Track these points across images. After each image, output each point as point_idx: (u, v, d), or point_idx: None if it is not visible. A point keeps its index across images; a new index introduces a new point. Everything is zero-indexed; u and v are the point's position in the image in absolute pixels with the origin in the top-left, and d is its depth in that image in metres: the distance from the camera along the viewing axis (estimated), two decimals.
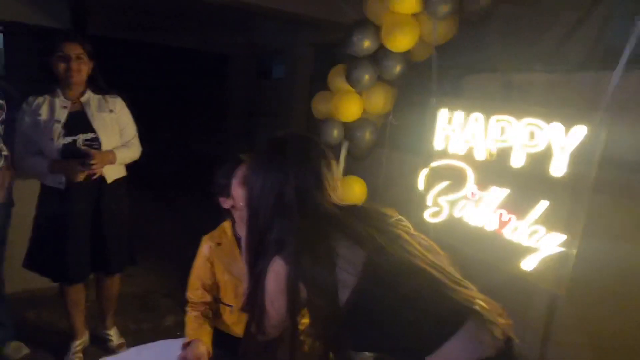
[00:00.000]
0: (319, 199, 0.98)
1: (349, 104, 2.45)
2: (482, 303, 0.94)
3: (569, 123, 1.59)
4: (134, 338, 2.48)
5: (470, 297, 0.94)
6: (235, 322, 1.50)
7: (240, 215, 1.34)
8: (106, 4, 4.73)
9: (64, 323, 2.37)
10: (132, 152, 2.17)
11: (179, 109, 6.83)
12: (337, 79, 2.53)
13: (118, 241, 2.16)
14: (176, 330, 2.51)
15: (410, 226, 1.10)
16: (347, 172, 2.66)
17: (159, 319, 2.72)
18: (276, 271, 0.93)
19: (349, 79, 2.40)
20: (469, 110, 1.98)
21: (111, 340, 2.39)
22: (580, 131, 1.54)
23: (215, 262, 1.46)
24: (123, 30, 5.32)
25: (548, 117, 1.66)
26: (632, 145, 1.97)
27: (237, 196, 1.30)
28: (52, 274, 2.11)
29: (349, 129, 2.53)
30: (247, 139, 6.53)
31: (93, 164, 1.93)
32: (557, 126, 1.62)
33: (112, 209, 2.11)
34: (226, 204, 1.40)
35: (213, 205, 1.45)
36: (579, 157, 1.55)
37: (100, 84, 2.10)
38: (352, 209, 1.04)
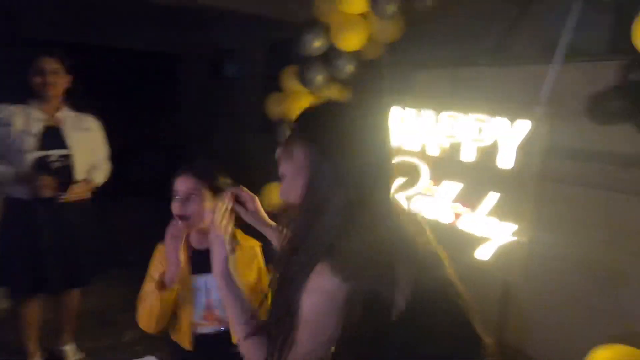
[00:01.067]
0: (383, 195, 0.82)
1: (303, 105, 2.44)
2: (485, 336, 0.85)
3: (513, 117, 1.66)
4: (92, 355, 2.38)
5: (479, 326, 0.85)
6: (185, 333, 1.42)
7: (196, 224, 1.28)
8: (44, 3, 4.47)
9: (16, 343, 2.25)
10: (103, 175, 2.16)
11: (129, 113, 6.58)
12: (290, 80, 2.51)
13: (80, 255, 2.11)
14: (135, 346, 2.43)
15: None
16: None
17: (117, 334, 2.62)
18: (325, 289, 0.73)
19: (302, 79, 2.39)
20: (419, 107, 2.02)
21: (68, 357, 2.32)
22: (524, 125, 1.61)
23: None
24: (63, 32, 5.06)
25: (494, 112, 1.73)
26: (574, 134, 2.09)
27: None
28: (14, 286, 2.09)
29: None
30: (202, 141, 6.39)
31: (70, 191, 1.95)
32: (502, 120, 1.68)
33: (75, 223, 2.07)
34: (177, 209, 1.30)
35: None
36: (524, 150, 1.62)
37: (77, 100, 2.10)
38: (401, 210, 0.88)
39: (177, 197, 1.26)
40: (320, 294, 0.74)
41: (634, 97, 1.58)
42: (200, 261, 1.29)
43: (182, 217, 1.24)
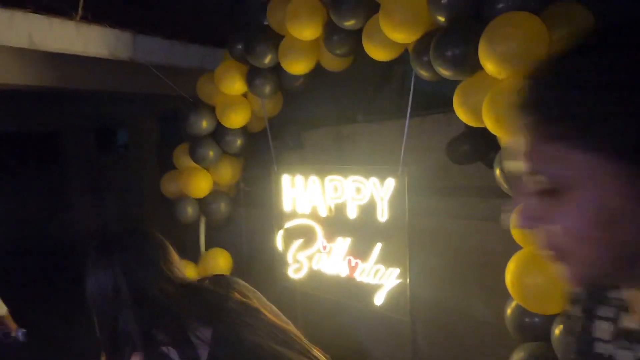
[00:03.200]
0: (157, 288, 1.03)
1: (199, 181, 2.53)
2: None
3: (382, 177, 1.93)
4: None
5: None
6: None
7: None
8: None
9: None
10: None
11: (13, 199, 5.99)
12: (182, 158, 2.59)
13: None
14: None
15: (259, 294, 1.16)
16: (210, 245, 2.70)
17: None
18: None
19: (194, 157, 2.49)
20: (307, 173, 2.24)
21: None
22: (390, 183, 1.89)
23: None
24: None
25: (368, 174, 1.99)
26: (438, 174, 2.45)
27: None
28: None
29: (203, 204, 2.60)
30: (95, 218, 6.02)
31: None
32: (374, 181, 1.95)
33: None
34: None
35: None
36: (394, 204, 1.89)
37: None
38: (200, 289, 1.08)
39: None
40: None
41: (478, 141, 1.96)
42: None
43: None
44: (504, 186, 1.37)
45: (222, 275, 1.17)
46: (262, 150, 2.67)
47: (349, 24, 1.82)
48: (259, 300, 1.13)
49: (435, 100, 2.68)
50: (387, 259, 1.95)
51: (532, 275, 1.27)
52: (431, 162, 2.40)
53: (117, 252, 1.06)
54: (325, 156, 3.10)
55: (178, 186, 2.59)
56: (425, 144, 2.44)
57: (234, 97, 2.38)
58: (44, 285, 5.06)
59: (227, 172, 2.58)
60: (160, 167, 4.92)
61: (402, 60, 3.03)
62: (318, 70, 2.18)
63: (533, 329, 1.35)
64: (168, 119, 5.03)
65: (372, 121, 3.15)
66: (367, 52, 1.85)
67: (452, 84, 1.87)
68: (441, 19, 1.52)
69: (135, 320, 0.98)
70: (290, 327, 1.11)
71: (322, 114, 3.47)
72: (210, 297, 1.05)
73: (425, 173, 2.41)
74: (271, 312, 1.11)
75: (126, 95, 4.72)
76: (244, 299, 1.08)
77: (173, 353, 0.93)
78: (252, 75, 2.24)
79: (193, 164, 2.56)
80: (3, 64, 2.43)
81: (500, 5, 1.37)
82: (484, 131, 1.57)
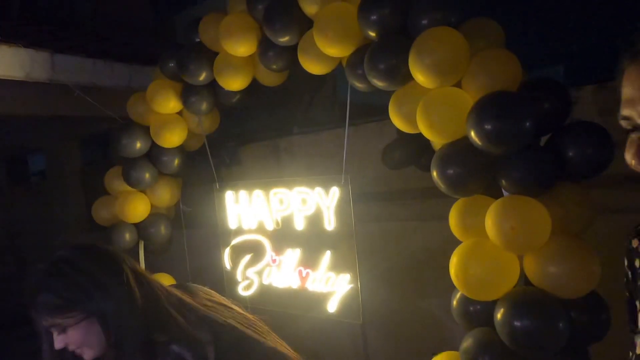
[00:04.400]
0: (163, 296, 1.12)
1: (135, 204, 2.41)
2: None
3: (327, 186, 1.99)
4: None
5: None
6: None
7: None
8: None
9: None
10: None
11: None
12: (115, 182, 2.46)
13: None
14: None
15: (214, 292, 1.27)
16: (150, 270, 2.57)
17: None
18: None
19: (128, 180, 2.37)
20: (250, 188, 2.23)
21: None
22: (335, 192, 1.95)
23: None
24: None
25: (311, 184, 2.04)
26: (376, 180, 2.56)
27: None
28: None
29: (141, 228, 2.48)
30: (7, 258, 5.46)
31: None
32: (319, 190, 2.00)
33: None
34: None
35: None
36: (340, 212, 1.95)
37: None
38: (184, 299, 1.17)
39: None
40: None
41: (410, 146, 2.09)
42: None
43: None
44: (440, 186, 1.48)
45: (181, 283, 1.26)
46: (201, 168, 2.62)
47: (284, 40, 1.87)
48: (219, 297, 1.23)
49: (367, 109, 2.81)
50: (337, 266, 2.00)
51: (473, 266, 1.38)
52: (369, 169, 2.51)
53: (124, 266, 1.11)
54: (264, 170, 3.11)
55: (112, 212, 2.45)
56: (362, 151, 2.55)
57: (168, 116, 2.32)
58: None
59: (166, 194, 2.49)
60: (85, 194, 4.61)
61: (331, 71, 3.14)
62: (252, 85, 2.20)
63: (478, 315, 1.46)
64: (90, 142, 4.73)
65: (308, 132, 3.22)
66: (303, 67, 1.90)
67: (382, 94, 1.98)
68: (372, 34, 1.61)
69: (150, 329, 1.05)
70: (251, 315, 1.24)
71: (257, 127, 3.48)
72: (194, 304, 1.14)
73: (365, 180, 2.51)
74: (233, 304, 1.24)
75: (41, 119, 4.38)
76: (215, 299, 1.19)
77: (187, 354, 1.02)
78: (187, 93, 2.20)
79: (127, 187, 2.44)
80: None
81: (424, 22, 1.49)
82: (415, 137, 1.69)
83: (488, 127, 1.30)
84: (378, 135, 2.61)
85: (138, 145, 2.32)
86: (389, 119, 1.75)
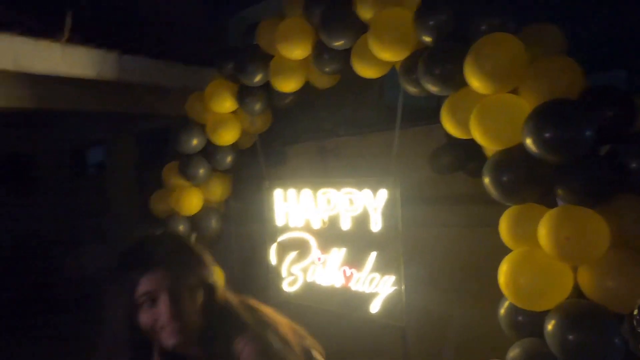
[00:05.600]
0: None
1: (189, 198, 2.54)
2: None
3: (374, 188, 2.02)
4: None
5: None
6: None
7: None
8: None
9: None
10: None
11: None
12: (172, 176, 2.60)
13: None
14: None
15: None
16: None
17: None
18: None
19: (184, 175, 2.50)
20: (299, 187, 2.30)
21: None
22: (382, 194, 1.97)
23: None
24: None
25: (359, 185, 2.07)
26: (423, 184, 2.55)
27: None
28: None
29: (194, 221, 2.61)
30: (72, 246, 5.85)
31: None
32: (367, 192, 2.03)
33: None
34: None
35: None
36: (387, 214, 1.97)
37: None
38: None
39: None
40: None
41: (459, 151, 2.07)
42: None
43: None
44: (493, 193, 1.47)
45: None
46: (251, 166, 2.71)
47: (338, 44, 1.91)
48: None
49: (415, 113, 2.80)
50: (381, 267, 2.02)
51: (524, 275, 1.37)
52: (416, 172, 2.51)
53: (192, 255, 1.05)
54: (310, 170, 3.17)
55: (168, 204, 2.59)
56: (409, 155, 2.55)
57: (224, 115, 2.43)
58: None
59: (218, 189, 2.60)
60: (140, 186, 4.87)
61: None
62: (303, 86, 2.25)
63: (526, 326, 1.44)
64: (146, 138, 4.99)
65: (354, 134, 3.25)
66: (356, 71, 1.94)
67: (430, 98, 1.97)
68: (428, 39, 1.63)
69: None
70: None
71: (305, 128, 3.55)
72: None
73: (412, 183, 2.51)
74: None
75: (102, 114, 4.68)
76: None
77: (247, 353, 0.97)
78: (243, 94, 2.29)
79: (182, 182, 2.57)
80: None
81: (483, 27, 1.49)
82: (464, 142, 1.68)
83: (546, 135, 1.29)
84: (426, 139, 2.60)
85: (195, 142, 2.45)
86: (438, 122, 1.75)
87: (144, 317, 0.97)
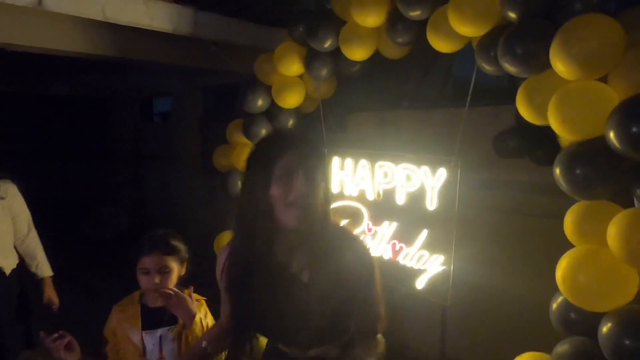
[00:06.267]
0: None
1: None
2: None
3: (434, 166, 1.98)
4: None
5: None
6: None
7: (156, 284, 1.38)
8: None
9: None
10: (41, 250, 2.15)
11: (58, 159, 6.31)
12: (235, 134, 2.69)
13: (12, 327, 2.06)
14: None
15: None
16: None
17: None
18: None
19: (247, 134, 2.58)
20: (356, 157, 2.31)
21: None
22: (442, 173, 1.94)
23: (119, 332, 1.44)
24: None
25: (418, 162, 2.05)
26: (485, 167, 2.47)
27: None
28: None
29: None
30: (135, 184, 6.28)
31: None
32: (425, 169, 2.00)
33: (6, 297, 2.03)
34: (152, 284, 1.38)
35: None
36: (444, 193, 1.95)
37: None
38: None
39: (148, 273, 1.38)
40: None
41: (528, 136, 1.98)
42: (152, 318, 1.42)
43: (157, 290, 1.37)
44: (563, 185, 1.41)
45: None
46: (311, 131, 2.74)
47: (415, 14, 1.84)
48: None
49: (484, 91, 2.67)
50: (432, 246, 2.01)
51: (586, 273, 1.32)
52: (478, 154, 2.42)
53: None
54: (368, 140, 3.15)
55: (229, 160, 2.70)
56: (473, 135, 2.46)
57: (290, 78, 2.45)
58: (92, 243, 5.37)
59: None
60: (202, 139, 5.09)
61: None
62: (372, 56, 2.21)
63: (579, 324, 1.40)
64: (212, 93, 5.16)
65: (417, 108, 3.17)
66: (431, 44, 1.87)
67: (501, 78, 1.85)
68: (513, 15, 1.53)
69: None
70: None
71: (366, 98, 3.50)
72: None
73: (471, 165, 2.43)
74: None
75: (172, 67, 4.87)
76: None
77: None
78: (311, 58, 2.29)
79: (244, 139, 2.66)
80: (77, 35, 2.57)
81: (577, 6, 1.38)
82: (535, 127, 1.59)
83: (633, 130, 1.20)
84: (493, 120, 2.50)
85: (260, 102, 2.50)
86: (507, 103, 1.66)
87: (277, 188, 1.00)
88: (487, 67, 1.70)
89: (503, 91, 2.88)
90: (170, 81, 5.40)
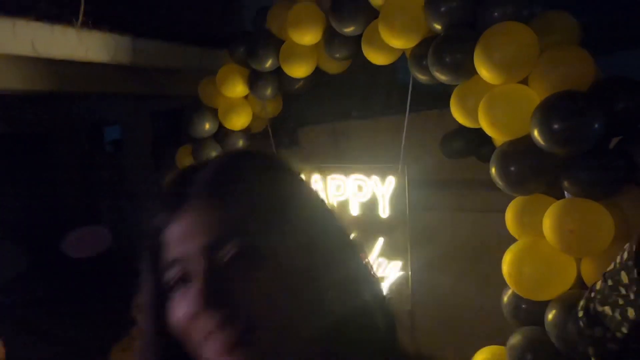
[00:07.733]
0: None
1: None
2: None
3: (383, 175, 2.04)
4: None
5: None
6: None
7: None
8: None
9: None
10: None
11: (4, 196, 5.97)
12: (185, 159, 2.65)
13: None
14: None
15: None
16: None
17: None
18: None
19: (197, 159, 2.55)
20: (309, 172, 2.33)
21: None
22: (391, 181, 1.99)
23: None
24: None
25: (369, 172, 2.09)
26: (433, 168, 2.55)
27: None
28: None
29: None
30: (89, 218, 6.03)
31: None
32: (375, 179, 2.05)
33: None
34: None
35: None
36: (395, 200, 2.00)
37: None
38: None
39: None
40: None
41: (471, 136, 2.07)
42: None
43: None
44: (499, 183, 1.48)
45: None
46: (262, 149, 2.74)
47: (349, 30, 1.90)
48: None
49: (428, 96, 2.77)
50: (389, 253, 2.06)
51: (528, 265, 1.39)
52: (427, 156, 2.51)
53: None
54: (322, 152, 3.18)
55: None
56: (421, 139, 2.54)
57: (235, 100, 2.45)
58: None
59: None
60: (156, 163, 4.97)
61: None
62: (314, 71, 2.25)
63: (528, 314, 1.47)
64: (161, 118, 5.05)
65: (366, 117, 3.24)
66: (367, 57, 1.93)
67: (442, 83, 1.94)
68: (438, 26, 1.61)
69: None
70: None
71: (317, 111, 3.55)
72: None
73: (421, 168, 2.51)
74: None
75: (118, 95, 4.74)
76: None
77: None
78: (254, 79, 2.31)
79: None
80: (6, 72, 2.46)
81: (495, 15, 1.47)
82: (476, 128, 1.67)
83: (553, 127, 1.29)
84: (438, 123, 2.58)
85: (207, 126, 2.48)
86: (449, 106, 1.74)
87: None
88: (421, 77, 1.78)
89: (447, 95, 3.00)
90: (117, 108, 5.26)
